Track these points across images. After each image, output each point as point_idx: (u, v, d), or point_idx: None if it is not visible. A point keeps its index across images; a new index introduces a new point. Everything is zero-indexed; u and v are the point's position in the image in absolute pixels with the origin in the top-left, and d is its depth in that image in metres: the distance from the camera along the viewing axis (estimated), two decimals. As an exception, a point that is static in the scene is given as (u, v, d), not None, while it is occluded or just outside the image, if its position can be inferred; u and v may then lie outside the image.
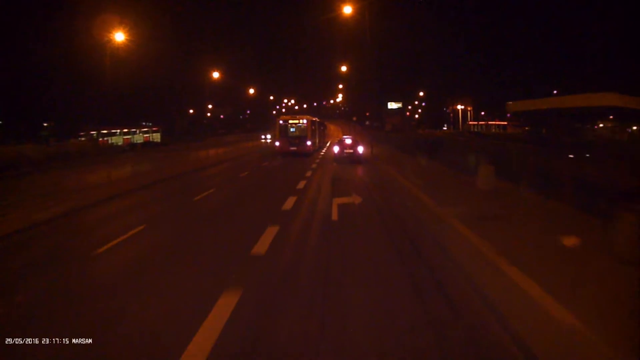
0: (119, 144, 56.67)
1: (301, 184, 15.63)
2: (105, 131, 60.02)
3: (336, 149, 25.97)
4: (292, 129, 31.61)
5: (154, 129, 65.88)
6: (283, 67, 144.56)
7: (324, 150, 37.60)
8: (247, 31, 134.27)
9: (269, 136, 45.44)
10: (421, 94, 79.10)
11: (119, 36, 33.24)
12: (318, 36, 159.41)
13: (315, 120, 35.71)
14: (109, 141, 55.94)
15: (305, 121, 31.76)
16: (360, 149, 25.26)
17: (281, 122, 32.14)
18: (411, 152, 25.73)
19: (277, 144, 32.05)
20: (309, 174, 19.30)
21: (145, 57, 52.78)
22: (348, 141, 26.38)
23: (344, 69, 37.39)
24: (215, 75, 55.68)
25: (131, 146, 52.95)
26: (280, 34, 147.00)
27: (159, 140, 63.84)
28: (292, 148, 30.66)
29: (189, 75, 61.22)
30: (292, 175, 18.74)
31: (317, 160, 27.00)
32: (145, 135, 63.08)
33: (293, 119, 32.33)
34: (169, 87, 67.72)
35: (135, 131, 63.22)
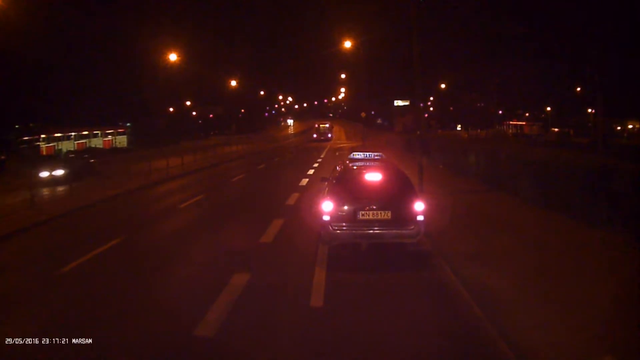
0: (70, 149, 46.11)
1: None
2: (59, 134, 49.70)
3: (327, 217, 7.22)
4: (320, 130, 58.32)
5: (119, 130, 54.95)
6: (282, 64, 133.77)
7: (322, 156, 32.29)
8: (245, 28, 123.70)
9: (60, 172, 20.49)
10: (442, 85, 67.73)
11: None
12: (319, 26, 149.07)
13: (331, 124, 64.50)
14: (56, 147, 45.44)
15: (328, 125, 60.52)
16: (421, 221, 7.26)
17: (316, 125, 60.62)
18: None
19: (314, 135, 57.36)
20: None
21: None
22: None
23: (347, 44, 27.77)
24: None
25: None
26: (279, 29, 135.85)
27: (125, 145, 53.12)
28: (322, 138, 54.86)
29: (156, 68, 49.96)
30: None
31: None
32: (105, 139, 52.23)
33: (322, 123, 60.73)
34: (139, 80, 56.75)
35: (97, 134, 52.57)
